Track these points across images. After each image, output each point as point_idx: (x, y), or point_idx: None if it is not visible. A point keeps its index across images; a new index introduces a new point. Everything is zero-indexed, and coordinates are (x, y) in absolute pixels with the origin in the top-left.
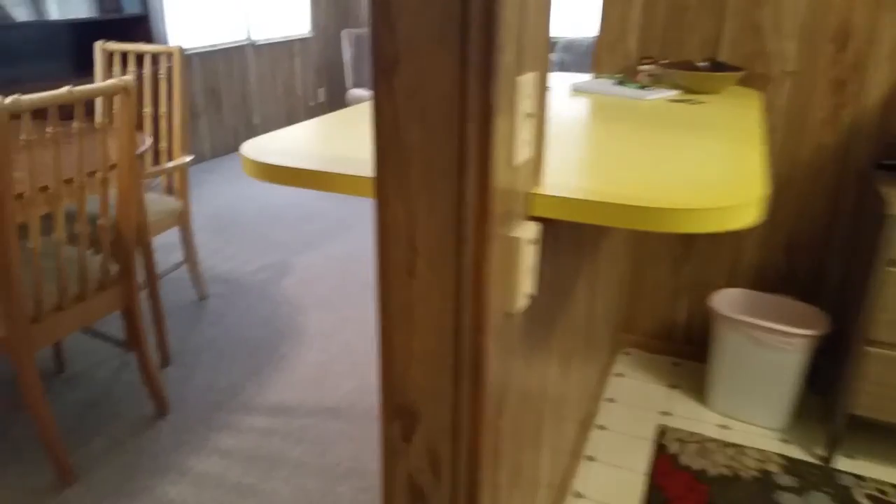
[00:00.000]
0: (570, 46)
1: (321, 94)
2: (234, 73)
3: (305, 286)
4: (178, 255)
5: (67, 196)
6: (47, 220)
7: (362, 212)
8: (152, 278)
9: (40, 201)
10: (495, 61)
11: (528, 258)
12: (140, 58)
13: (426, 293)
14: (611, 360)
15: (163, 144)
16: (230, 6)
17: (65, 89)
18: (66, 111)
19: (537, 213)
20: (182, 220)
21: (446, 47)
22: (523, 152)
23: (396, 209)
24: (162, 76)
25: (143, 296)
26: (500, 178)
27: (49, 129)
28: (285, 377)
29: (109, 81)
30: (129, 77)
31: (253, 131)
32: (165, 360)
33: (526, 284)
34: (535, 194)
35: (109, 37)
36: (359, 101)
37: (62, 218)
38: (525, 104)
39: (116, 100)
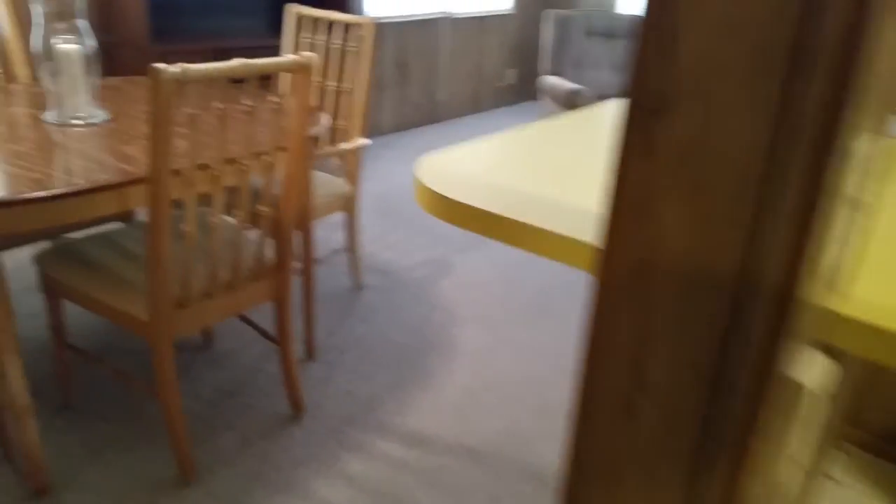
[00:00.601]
0: None
1: (511, 76)
2: (425, 47)
3: (464, 292)
4: (338, 240)
5: (230, 176)
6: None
7: None
8: (308, 265)
9: (199, 179)
10: (840, 118)
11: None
12: (330, 26)
13: (646, 447)
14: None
15: (340, 122)
16: None
17: (237, 62)
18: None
19: (833, 343)
20: (348, 205)
21: (758, 89)
22: (832, 251)
23: (619, 320)
24: (351, 49)
25: (296, 282)
26: (801, 289)
27: (217, 105)
28: (429, 399)
29: (289, 57)
30: (312, 54)
31: (436, 108)
32: (310, 354)
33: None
34: (833, 312)
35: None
36: (553, 90)
37: (221, 200)
38: (851, 183)
39: (295, 78)
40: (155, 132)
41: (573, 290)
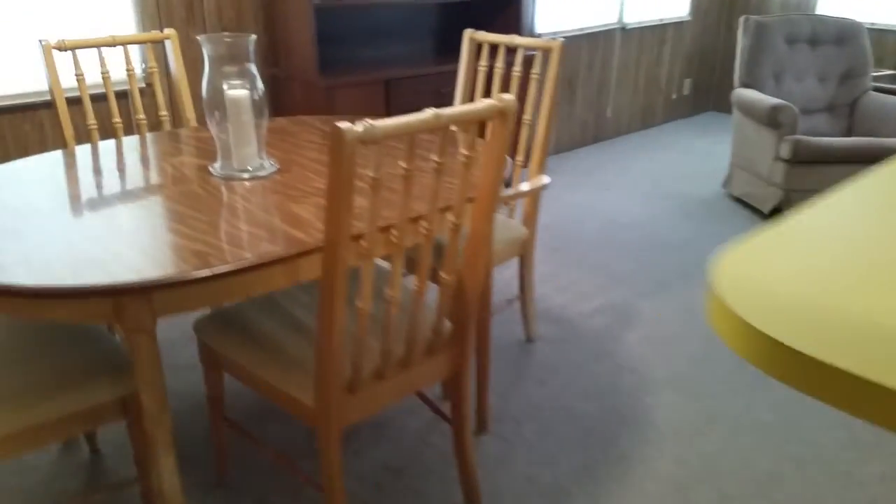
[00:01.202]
0: None
1: (686, 86)
2: (596, 61)
3: (654, 348)
4: (509, 286)
5: (411, 236)
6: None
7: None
8: (486, 322)
9: (379, 243)
10: None
11: None
12: (512, 51)
13: None
14: None
15: (518, 158)
16: None
17: (428, 113)
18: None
19: None
20: (524, 249)
21: None
22: None
23: None
24: (533, 76)
25: None
26: None
27: (402, 165)
28: (625, 494)
29: (486, 104)
30: (510, 97)
31: (604, 126)
32: (482, 426)
33: None
34: None
35: (474, 19)
36: (750, 106)
37: (400, 265)
38: None
39: (492, 125)
40: (334, 197)
41: None
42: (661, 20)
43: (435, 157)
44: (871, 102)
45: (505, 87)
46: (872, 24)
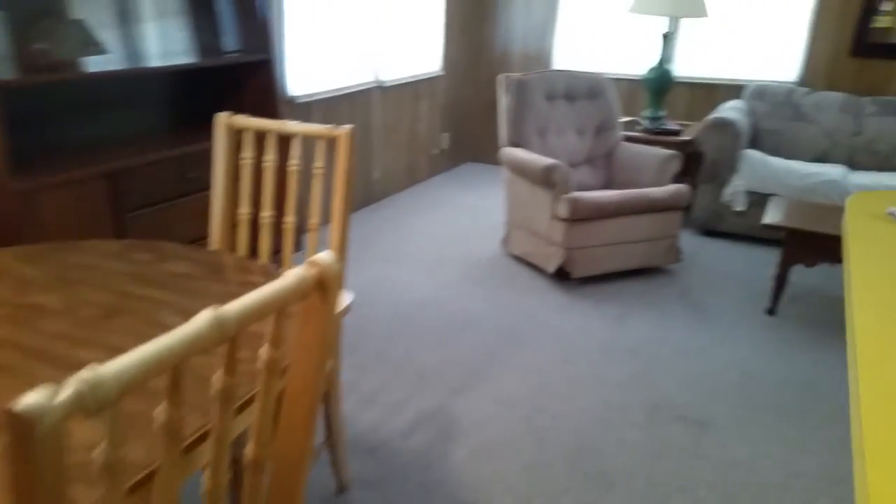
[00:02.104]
0: (763, 93)
1: (445, 140)
2: (357, 122)
3: (486, 463)
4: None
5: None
6: None
7: (535, 313)
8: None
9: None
10: None
11: None
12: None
13: None
14: None
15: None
16: (357, 42)
17: (204, 320)
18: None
19: None
20: (329, 383)
21: None
22: None
23: None
24: (318, 170)
25: None
26: None
27: (161, 416)
28: None
29: (294, 278)
30: (331, 259)
31: (372, 188)
32: None
33: None
34: None
35: (219, 85)
36: (521, 167)
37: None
38: None
39: (305, 306)
40: None
41: (639, 449)
42: (416, 76)
43: (218, 379)
44: (624, 152)
45: (280, 187)
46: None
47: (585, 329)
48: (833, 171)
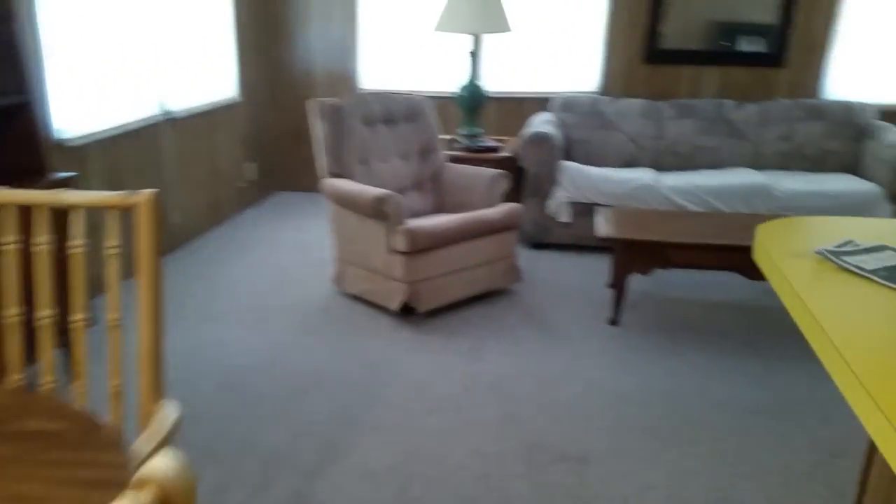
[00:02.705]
0: (571, 105)
1: (251, 171)
2: (145, 161)
3: None
4: None
5: None
6: None
7: (385, 359)
8: None
9: None
10: None
11: None
12: (60, 215)
13: None
14: None
15: (115, 382)
16: (138, 70)
17: None
18: None
19: None
20: None
21: None
22: None
23: None
24: (112, 250)
25: None
26: None
27: None
28: None
29: None
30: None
31: (173, 234)
32: None
33: None
34: None
35: None
36: (348, 199)
37: None
38: None
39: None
40: None
41: (526, 502)
42: (210, 104)
43: None
44: (451, 174)
45: (60, 277)
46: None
47: (442, 369)
48: (645, 176)
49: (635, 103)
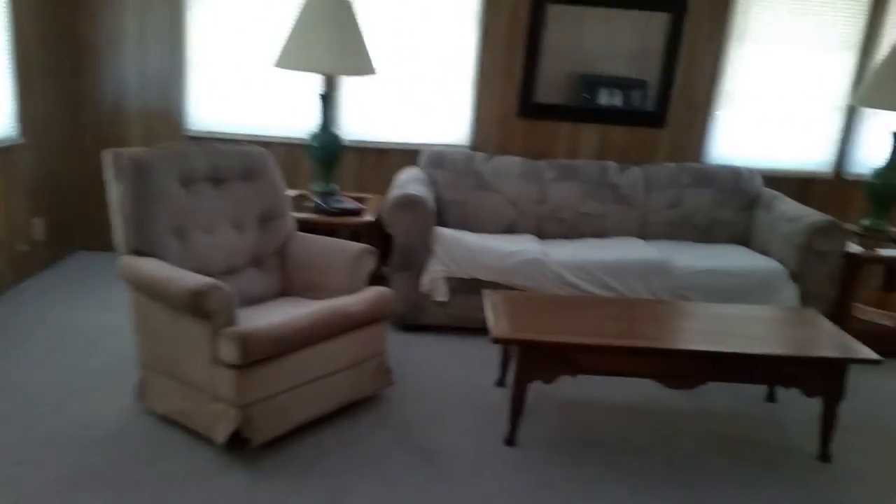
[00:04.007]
0: (442, 160)
1: (38, 228)
2: None
3: None
4: None
5: None
6: None
7: None
8: None
9: None
10: None
11: None
12: None
13: None
14: None
15: None
16: None
17: None
18: None
19: None
20: None
21: None
22: None
23: None
24: None
25: None
26: None
27: None
28: None
29: None
30: None
31: None
32: None
33: None
34: None
35: None
36: (154, 288)
37: None
38: None
39: None
40: None
41: None
42: None
43: None
44: (301, 247)
45: None
46: (254, 135)
47: None
48: (531, 248)
49: (514, 162)
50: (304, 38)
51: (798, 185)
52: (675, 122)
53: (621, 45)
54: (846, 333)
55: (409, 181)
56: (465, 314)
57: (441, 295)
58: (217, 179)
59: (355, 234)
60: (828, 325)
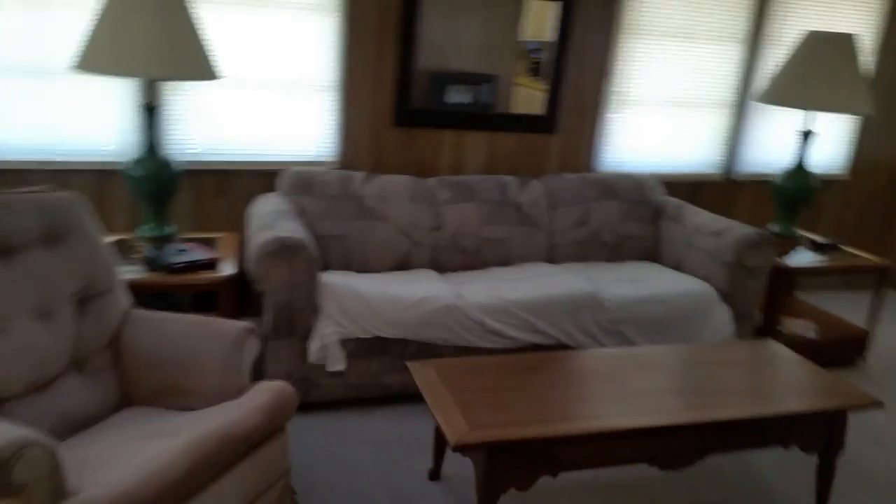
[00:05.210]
0: (310, 184)
1: None
2: None
3: None
4: None
5: None
6: None
7: None
8: None
9: None
10: None
11: None
12: None
13: None
14: None
15: None
16: None
17: None
18: None
19: None
20: None
21: None
22: None
23: None
24: None
25: None
26: None
27: None
28: None
29: None
30: None
31: None
32: None
33: None
34: None
35: None
36: None
37: None
38: None
39: None
40: None
41: None
42: None
43: None
44: (144, 332)
45: None
46: (43, 161)
47: None
48: (442, 292)
49: (400, 182)
50: (114, 32)
51: (689, 189)
52: (565, 127)
53: (494, 39)
54: (830, 373)
55: (273, 216)
56: (368, 382)
57: (337, 363)
58: (6, 252)
59: (204, 296)
60: (805, 363)
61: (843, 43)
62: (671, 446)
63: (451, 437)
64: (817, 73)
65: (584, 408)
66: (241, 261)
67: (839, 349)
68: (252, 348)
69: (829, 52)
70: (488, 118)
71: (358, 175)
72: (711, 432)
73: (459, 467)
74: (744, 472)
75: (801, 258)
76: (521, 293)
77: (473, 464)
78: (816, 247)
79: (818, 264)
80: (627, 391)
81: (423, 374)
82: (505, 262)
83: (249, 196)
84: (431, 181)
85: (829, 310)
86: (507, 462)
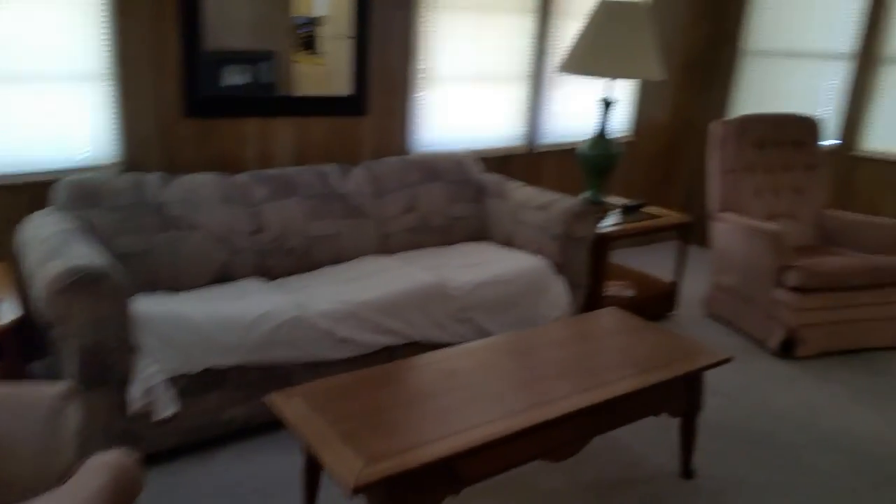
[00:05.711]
0: (96, 195)
1: None
2: None
3: None
4: None
5: None
6: None
7: None
8: None
9: None
10: None
11: None
12: None
13: None
14: None
15: None
16: None
17: None
18: None
19: None
20: None
21: None
22: None
23: None
24: None
25: None
26: None
27: None
28: None
29: None
30: None
31: None
32: None
33: None
34: None
35: None
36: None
37: None
38: None
39: None
40: None
41: None
42: None
43: None
44: None
45: None
46: None
47: None
48: (282, 304)
49: (206, 182)
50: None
51: (498, 163)
52: (376, 109)
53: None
54: (672, 332)
55: (58, 239)
56: (207, 421)
57: (167, 408)
58: None
59: None
60: (652, 327)
61: (633, 11)
62: (564, 435)
63: (347, 478)
64: (613, 41)
65: (476, 413)
66: (24, 299)
67: (654, 304)
68: (74, 417)
69: (622, 20)
70: (293, 102)
71: (152, 178)
72: (599, 413)
73: (336, 502)
74: (610, 448)
75: (615, 222)
76: (368, 293)
77: (368, 500)
78: (626, 210)
79: (633, 226)
80: (508, 386)
81: (289, 406)
82: (337, 259)
83: (11, 215)
84: (242, 177)
85: (635, 267)
86: (408, 491)
